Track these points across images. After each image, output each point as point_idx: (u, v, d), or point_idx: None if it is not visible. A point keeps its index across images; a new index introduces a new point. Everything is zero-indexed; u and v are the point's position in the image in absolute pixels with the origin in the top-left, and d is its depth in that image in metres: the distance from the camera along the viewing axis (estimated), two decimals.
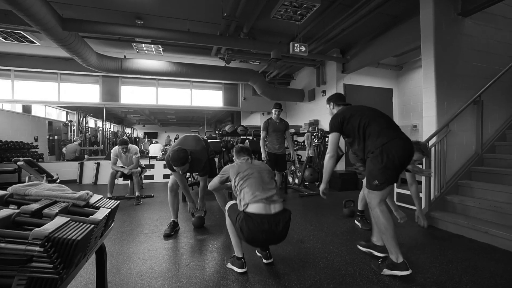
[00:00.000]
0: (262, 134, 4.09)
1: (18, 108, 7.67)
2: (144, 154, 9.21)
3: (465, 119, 3.30)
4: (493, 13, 3.56)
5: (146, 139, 16.89)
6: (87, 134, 9.88)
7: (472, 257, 2.13)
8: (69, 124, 9.93)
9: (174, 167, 2.42)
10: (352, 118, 2.02)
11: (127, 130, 17.18)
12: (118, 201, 1.26)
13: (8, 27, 4.12)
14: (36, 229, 0.71)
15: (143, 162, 5.31)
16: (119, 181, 4.93)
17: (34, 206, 0.91)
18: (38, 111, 8.65)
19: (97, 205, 1.13)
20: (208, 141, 3.69)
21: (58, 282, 0.72)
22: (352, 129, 2.03)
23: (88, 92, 6.74)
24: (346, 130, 2.06)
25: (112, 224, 1.22)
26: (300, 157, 6.12)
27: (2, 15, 3.68)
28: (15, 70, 6.15)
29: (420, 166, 2.76)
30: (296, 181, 5.46)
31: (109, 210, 1.09)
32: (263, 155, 4.01)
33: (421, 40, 3.36)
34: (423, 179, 3.08)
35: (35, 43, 5.05)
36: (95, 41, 4.96)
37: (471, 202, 2.81)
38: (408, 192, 3.56)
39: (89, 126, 10.42)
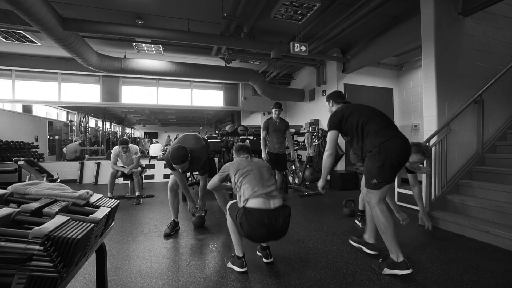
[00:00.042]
0: (262, 134, 4.09)
1: (19, 108, 7.68)
2: (144, 154, 9.21)
3: (465, 119, 3.30)
4: (493, 12, 3.55)
5: (147, 139, 16.90)
6: (87, 134, 9.88)
7: (473, 257, 2.12)
8: (69, 124, 9.94)
9: (174, 165, 2.41)
10: (351, 116, 2.03)
11: (128, 130, 17.20)
12: (118, 200, 1.26)
13: (9, 27, 4.12)
14: (36, 227, 0.71)
15: (144, 162, 5.32)
16: (120, 180, 4.92)
17: (34, 205, 0.91)
18: (38, 111, 8.66)
19: (97, 204, 1.13)
20: (209, 141, 3.69)
21: (58, 281, 0.72)
22: (350, 128, 2.04)
23: (88, 92, 6.74)
24: (345, 128, 2.08)
25: (113, 223, 1.22)
26: (300, 157, 6.12)
27: (3, 15, 3.68)
28: (16, 70, 6.15)
29: (421, 166, 2.75)
30: (297, 180, 5.45)
31: (109, 209, 1.08)
32: (263, 155, 4.00)
33: (421, 40, 3.35)
34: (424, 179, 3.08)
35: (35, 43, 5.05)
36: (95, 41, 4.96)
37: (472, 201, 2.81)
38: (408, 192, 3.57)
39: (89, 126, 10.43)
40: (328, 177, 5.44)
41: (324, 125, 6.00)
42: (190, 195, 2.84)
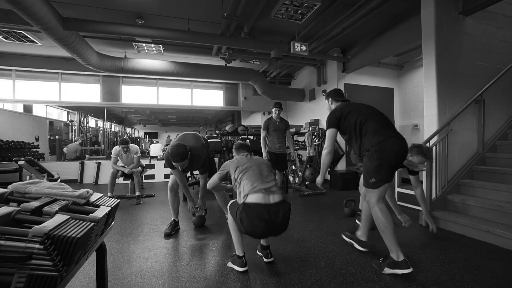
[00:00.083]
0: (262, 133, 4.09)
1: (19, 108, 7.68)
2: (145, 154, 9.21)
3: (466, 118, 3.29)
4: (494, 11, 3.55)
5: (147, 139, 16.91)
6: (88, 134, 9.89)
7: (474, 257, 2.12)
8: (70, 124, 9.95)
9: (174, 163, 2.40)
10: (349, 115, 2.05)
11: (128, 130, 17.21)
12: (119, 200, 1.26)
13: (9, 27, 4.13)
14: (36, 226, 0.71)
15: (144, 161, 5.32)
16: (120, 180, 4.93)
17: (34, 204, 0.90)
18: (39, 111, 8.66)
19: (97, 203, 1.13)
20: (209, 140, 3.68)
21: (58, 279, 0.72)
22: (348, 126, 2.06)
23: (89, 92, 6.74)
24: (343, 126, 2.09)
25: (113, 222, 1.22)
26: (300, 156, 6.12)
27: (3, 15, 3.68)
28: (16, 70, 6.16)
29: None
30: (297, 180, 5.45)
31: (109, 208, 1.08)
32: (264, 155, 4.00)
33: (422, 39, 3.35)
34: (424, 178, 3.07)
35: (36, 42, 5.06)
36: (95, 41, 4.96)
37: (473, 201, 2.80)
38: (409, 192, 3.57)
39: (90, 126, 10.43)
40: (328, 177, 5.50)
41: (324, 125, 6.00)
42: (190, 195, 2.84)
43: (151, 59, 5.67)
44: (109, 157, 5.34)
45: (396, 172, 3.63)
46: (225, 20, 4.04)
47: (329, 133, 2.13)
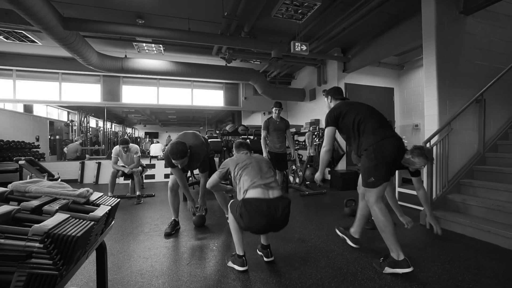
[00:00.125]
0: (263, 133, 4.09)
1: (20, 108, 7.69)
2: (145, 153, 9.21)
3: (467, 118, 3.29)
4: (495, 11, 3.54)
5: (147, 139, 16.92)
6: (88, 134, 9.90)
7: (475, 256, 2.11)
8: (70, 124, 9.95)
9: (173, 160, 2.37)
10: (348, 114, 2.07)
11: (128, 130, 17.22)
12: (119, 199, 1.26)
13: (10, 27, 4.13)
14: (36, 225, 0.71)
15: (144, 161, 5.32)
16: (120, 180, 4.94)
17: (34, 202, 0.90)
18: (39, 111, 8.68)
19: (97, 202, 1.13)
20: (209, 140, 3.68)
21: (57, 278, 0.71)
22: (347, 125, 2.08)
23: (89, 92, 6.75)
24: (342, 125, 2.12)
25: (113, 221, 1.22)
26: (301, 156, 6.12)
27: (3, 15, 3.68)
28: (17, 70, 6.16)
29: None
30: (297, 180, 5.45)
31: (109, 207, 1.08)
32: (264, 154, 4.00)
33: (422, 39, 3.34)
34: (425, 178, 3.06)
35: (36, 42, 5.06)
36: (96, 41, 4.96)
37: (473, 201, 2.80)
38: (409, 191, 3.56)
39: (90, 126, 10.44)
40: (329, 177, 5.49)
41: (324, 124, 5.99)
42: (190, 194, 2.83)
43: (151, 59, 5.67)
44: (109, 157, 5.35)
45: (397, 172, 3.63)
46: (225, 20, 4.04)
47: (327, 131, 2.15)
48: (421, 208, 3.22)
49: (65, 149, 7.26)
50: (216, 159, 5.62)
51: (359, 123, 2.01)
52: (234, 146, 2.37)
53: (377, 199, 1.91)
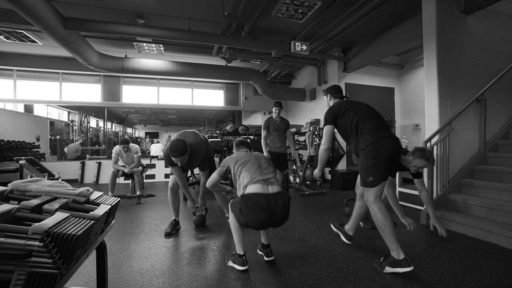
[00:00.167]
0: (263, 133, 4.09)
1: (20, 108, 7.70)
2: (145, 153, 9.22)
3: (467, 118, 3.28)
4: (496, 10, 3.53)
5: (148, 139, 16.93)
6: (88, 134, 9.90)
7: (475, 256, 2.11)
8: (70, 124, 9.96)
9: (173, 158, 2.35)
10: (346, 113, 2.09)
11: (129, 130, 17.22)
12: (119, 198, 1.25)
13: (10, 26, 4.14)
14: (36, 224, 0.71)
15: (145, 161, 5.32)
16: (121, 180, 4.94)
17: (34, 201, 0.90)
18: (40, 111, 8.68)
19: (97, 201, 1.13)
20: (210, 140, 3.68)
21: (57, 277, 0.71)
22: (345, 124, 2.09)
23: (89, 92, 6.75)
24: (340, 124, 2.13)
25: (113, 221, 1.22)
26: (301, 156, 6.12)
27: (4, 14, 3.68)
28: (17, 70, 6.16)
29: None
30: (298, 180, 5.45)
31: (110, 206, 1.08)
32: (264, 154, 4.00)
33: (423, 39, 3.34)
34: (425, 178, 3.06)
35: (37, 42, 5.07)
36: (96, 40, 4.96)
37: (474, 201, 2.79)
38: (409, 191, 3.56)
39: (90, 126, 10.45)
40: (329, 177, 5.49)
41: None
42: (190, 194, 2.82)
43: (151, 58, 5.67)
44: (109, 157, 5.35)
45: (398, 173, 3.63)
46: (225, 20, 4.04)
47: (326, 129, 2.16)
48: (421, 208, 3.22)
49: (65, 149, 7.27)
50: (216, 159, 5.61)
51: (357, 123, 2.02)
52: (234, 144, 2.38)
53: (376, 198, 1.92)
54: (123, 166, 4.35)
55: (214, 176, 2.14)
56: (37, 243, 0.68)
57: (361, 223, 2.89)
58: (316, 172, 2.29)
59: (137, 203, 4.00)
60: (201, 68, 5.79)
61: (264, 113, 9.04)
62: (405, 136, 6.04)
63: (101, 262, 1.22)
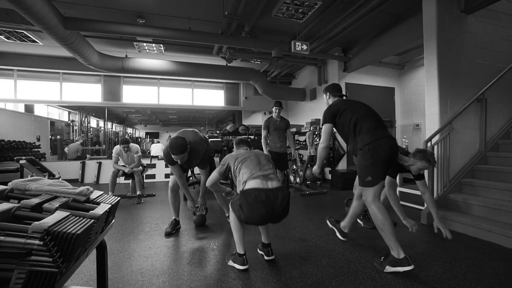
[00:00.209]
0: (263, 133, 4.09)
1: (21, 108, 7.71)
2: (145, 153, 9.23)
3: (468, 117, 3.28)
4: (496, 10, 3.53)
5: (148, 139, 16.93)
6: (89, 134, 9.91)
7: (476, 256, 2.11)
8: (71, 124, 9.96)
9: (173, 156, 2.32)
10: (345, 112, 2.10)
11: (129, 130, 17.23)
12: (119, 198, 1.25)
13: (11, 26, 4.14)
14: (36, 222, 0.71)
15: (145, 161, 5.32)
16: (121, 180, 4.94)
17: (34, 200, 0.90)
18: (40, 111, 8.69)
19: (97, 200, 1.13)
20: (210, 140, 3.68)
21: (57, 276, 0.71)
22: (343, 123, 2.10)
23: (90, 92, 6.75)
24: (339, 123, 2.14)
25: (113, 220, 1.22)
26: (301, 156, 6.11)
27: (4, 14, 3.69)
28: (18, 70, 6.17)
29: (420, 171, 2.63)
30: (298, 180, 5.44)
31: (110, 205, 1.08)
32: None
33: (423, 38, 3.33)
34: (426, 178, 3.05)
35: (37, 42, 5.07)
36: (97, 40, 4.96)
37: (475, 200, 2.79)
38: (409, 191, 3.56)
39: (91, 126, 10.45)
40: (330, 177, 5.48)
41: None
42: (190, 194, 2.81)
43: (152, 58, 5.67)
44: (110, 157, 5.35)
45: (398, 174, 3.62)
46: (225, 19, 4.04)
47: (325, 128, 2.18)
48: (422, 208, 3.22)
49: (66, 149, 7.27)
50: (217, 159, 5.61)
51: (356, 122, 2.03)
52: (234, 142, 2.41)
53: (374, 197, 1.92)
54: (123, 166, 4.35)
55: (214, 174, 2.13)
56: (37, 241, 0.68)
57: (361, 223, 2.89)
58: (315, 168, 2.31)
59: (137, 203, 4.00)
60: (201, 68, 5.79)
61: (264, 113, 9.03)
62: (405, 136, 6.03)
63: (101, 261, 1.22)
